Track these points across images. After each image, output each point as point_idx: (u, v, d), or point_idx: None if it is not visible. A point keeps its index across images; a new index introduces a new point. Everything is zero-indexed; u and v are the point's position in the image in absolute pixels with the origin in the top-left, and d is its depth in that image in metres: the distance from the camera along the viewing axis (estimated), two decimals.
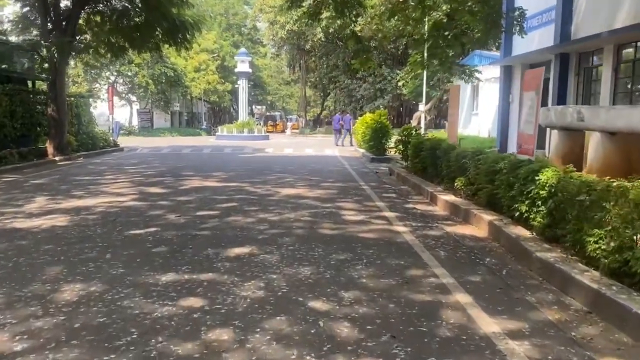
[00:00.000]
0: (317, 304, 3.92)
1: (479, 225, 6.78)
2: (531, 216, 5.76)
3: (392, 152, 18.41)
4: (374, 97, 45.62)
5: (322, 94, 59.14)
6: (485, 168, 7.28)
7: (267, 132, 43.34)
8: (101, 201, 8.67)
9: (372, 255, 5.34)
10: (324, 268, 4.87)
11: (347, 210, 8.02)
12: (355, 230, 6.52)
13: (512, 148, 17.11)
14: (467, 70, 14.32)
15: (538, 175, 5.62)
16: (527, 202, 5.82)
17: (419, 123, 27.82)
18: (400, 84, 43.78)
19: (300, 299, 4.04)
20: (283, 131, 49.78)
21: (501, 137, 17.98)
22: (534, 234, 5.62)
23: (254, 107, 73.56)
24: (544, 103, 17.03)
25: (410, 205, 8.57)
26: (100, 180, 11.84)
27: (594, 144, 7.73)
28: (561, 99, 13.51)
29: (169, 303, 3.92)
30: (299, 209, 8.01)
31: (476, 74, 14.42)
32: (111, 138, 23.49)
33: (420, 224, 7.03)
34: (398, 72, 44.50)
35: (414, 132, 12.82)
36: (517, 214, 6.02)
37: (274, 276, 4.61)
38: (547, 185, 5.40)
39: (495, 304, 3.99)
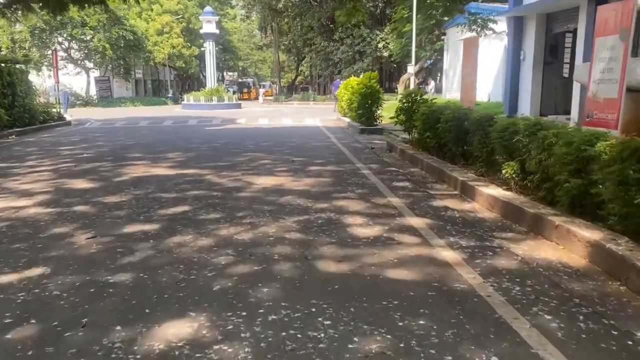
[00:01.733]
0: None
1: (566, 244, 4.31)
2: None
3: (383, 121, 15.87)
4: (352, 60, 42.80)
5: (296, 59, 55.90)
6: (565, 152, 4.76)
7: (242, 99, 40.37)
8: None
9: (429, 338, 2.80)
10: None
11: (352, 215, 5.43)
12: (376, 263, 3.96)
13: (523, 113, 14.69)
14: (478, 21, 11.72)
15: None
16: None
17: (406, 87, 25.30)
18: (380, 45, 40.91)
19: None
20: (256, 98, 46.62)
21: (510, 101, 15.51)
22: None
23: (225, 73, 69.81)
24: (560, 63, 14.59)
25: (439, 203, 6.03)
26: (14, 169, 8.97)
27: None
28: None
29: None
30: (282, 215, 5.40)
31: (490, 24, 11.92)
32: (55, 110, 20.29)
33: (473, 243, 4.49)
34: (378, 32, 41.60)
35: (420, 98, 10.17)
36: None
37: None
38: None
39: None
